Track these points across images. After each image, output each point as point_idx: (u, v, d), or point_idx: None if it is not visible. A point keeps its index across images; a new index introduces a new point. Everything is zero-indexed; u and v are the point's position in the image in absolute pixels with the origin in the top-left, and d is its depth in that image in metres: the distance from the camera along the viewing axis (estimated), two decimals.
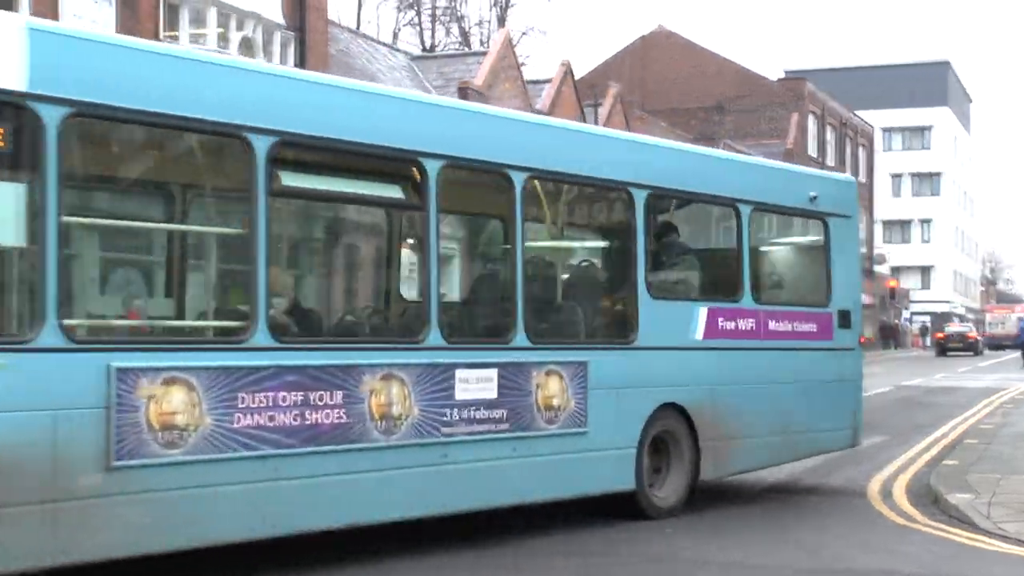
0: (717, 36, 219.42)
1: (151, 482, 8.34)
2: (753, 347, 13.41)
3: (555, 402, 11.21)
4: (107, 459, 8.10)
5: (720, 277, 13.60)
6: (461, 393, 10.38)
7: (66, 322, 7.99)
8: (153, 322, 9.88)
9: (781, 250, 15.46)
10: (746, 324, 13.36)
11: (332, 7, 31.93)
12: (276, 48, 26.45)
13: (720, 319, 13.05)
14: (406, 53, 41.21)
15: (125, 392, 8.15)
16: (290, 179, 9.30)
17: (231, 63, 10.57)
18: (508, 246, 11.08)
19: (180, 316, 10.36)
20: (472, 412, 10.48)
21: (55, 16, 21.24)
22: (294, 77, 10.43)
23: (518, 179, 11.00)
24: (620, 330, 12.34)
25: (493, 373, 10.69)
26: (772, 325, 13.70)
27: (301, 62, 26.81)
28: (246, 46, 24.58)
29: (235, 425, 8.76)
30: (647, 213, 12.34)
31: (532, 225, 11.77)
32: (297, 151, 9.38)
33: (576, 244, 13.79)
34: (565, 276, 12.87)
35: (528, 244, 11.39)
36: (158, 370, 8.34)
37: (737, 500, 13.83)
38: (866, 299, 63.41)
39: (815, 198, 14.35)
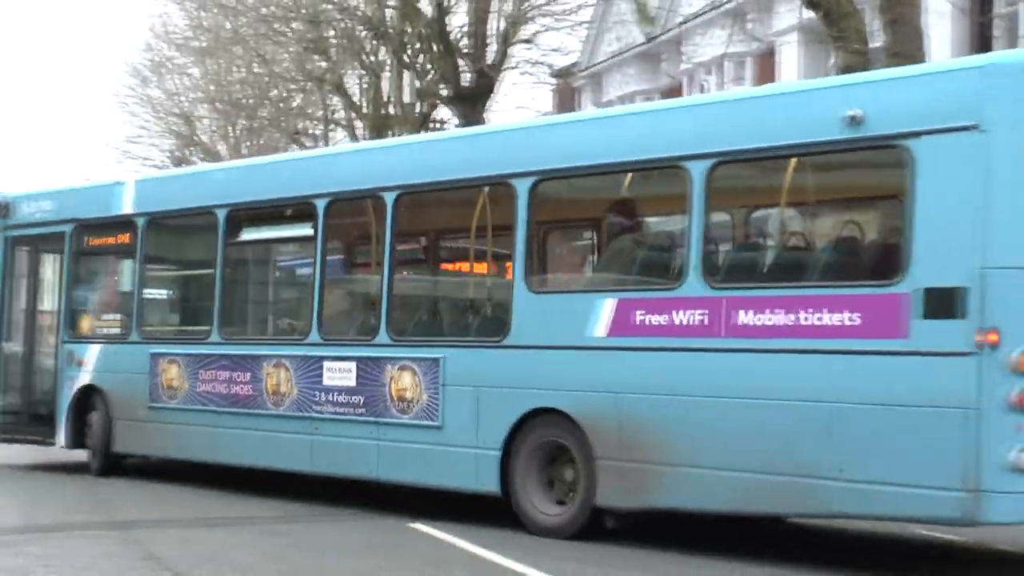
0: None
1: (170, 416, 14.76)
2: (707, 348, 10.08)
3: (408, 395, 12.13)
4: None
5: (646, 258, 10.46)
6: (327, 380, 12.92)
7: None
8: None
9: (782, 207, 9.44)
10: (689, 317, 10.21)
11: None
12: None
13: (639, 311, 10.51)
14: None
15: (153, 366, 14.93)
16: None
17: None
18: (377, 255, 12.55)
19: None
20: (336, 396, 12.81)
21: None
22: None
23: (389, 198, 12.51)
24: (490, 327, 11.53)
25: (352, 365, 12.67)
26: (745, 318, 9.87)
27: None
28: None
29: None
30: (530, 202, 11.29)
31: (406, 239, 12.35)
32: None
33: (450, 244, 11.72)
34: (434, 277, 11.90)
35: (399, 248, 12.37)
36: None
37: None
38: None
39: (859, 119, 9.30)
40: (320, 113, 37.83)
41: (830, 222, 10.53)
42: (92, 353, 15.84)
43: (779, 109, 10.11)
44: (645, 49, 31.72)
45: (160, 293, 16.11)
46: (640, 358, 10.46)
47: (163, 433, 14.93)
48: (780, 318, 9.63)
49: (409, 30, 27.77)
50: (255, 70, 38.21)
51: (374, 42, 30.19)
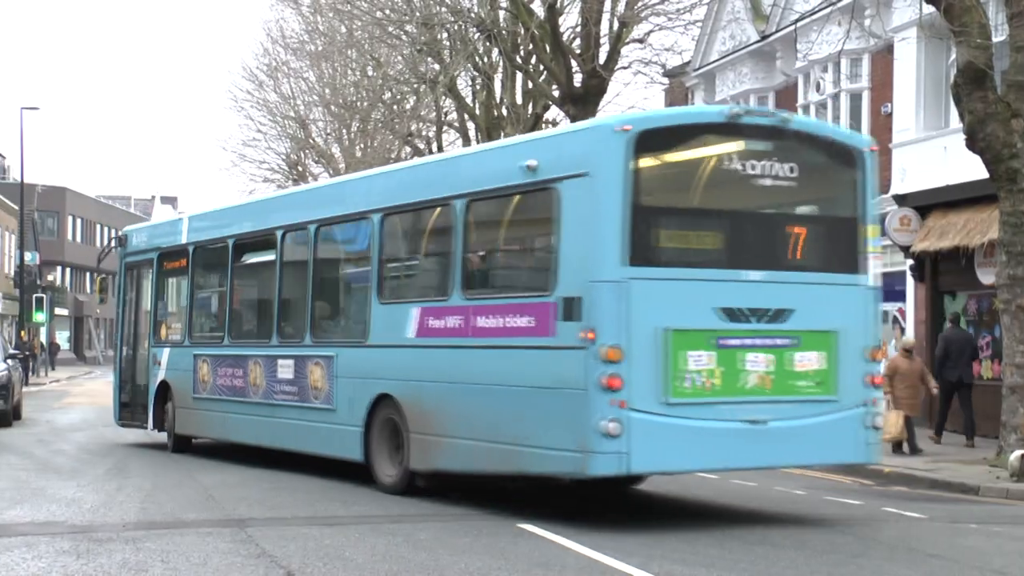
0: None
1: (203, 405, 18.59)
2: (461, 345, 13.13)
3: (318, 385, 15.45)
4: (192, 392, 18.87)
5: (436, 277, 13.40)
6: (279, 374, 16.40)
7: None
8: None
9: (503, 236, 12.16)
10: (454, 322, 13.21)
11: None
12: None
13: (430, 318, 13.54)
14: None
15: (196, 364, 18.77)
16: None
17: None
18: (304, 277, 15.95)
19: None
20: (283, 386, 16.26)
21: None
22: None
23: (312, 229, 15.83)
24: (361, 331, 14.69)
25: (292, 362, 16.08)
26: (480, 321, 12.85)
27: None
28: None
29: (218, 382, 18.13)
30: (380, 230, 14.39)
31: (322, 262, 15.68)
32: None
33: (351, 269, 14.74)
34: (339, 294, 14.93)
35: (318, 274, 15.73)
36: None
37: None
38: None
39: (534, 167, 12.10)
40: (433, 115, 38.48)
41: (525, 246, 13.22)
42: (165, 355, 19.93)
43: (497, 160, 12.98)
44: (759, 47, 30.59)
45: (201, 306, 19.91)
46: (429, 354, 13.49)
47: (200, 417, 18.81)
48: (494, 321, 12.48)
49: (521, 31, 27.93)
50: (369, 73, 38.45)
51: (486, 44, 30.11)
